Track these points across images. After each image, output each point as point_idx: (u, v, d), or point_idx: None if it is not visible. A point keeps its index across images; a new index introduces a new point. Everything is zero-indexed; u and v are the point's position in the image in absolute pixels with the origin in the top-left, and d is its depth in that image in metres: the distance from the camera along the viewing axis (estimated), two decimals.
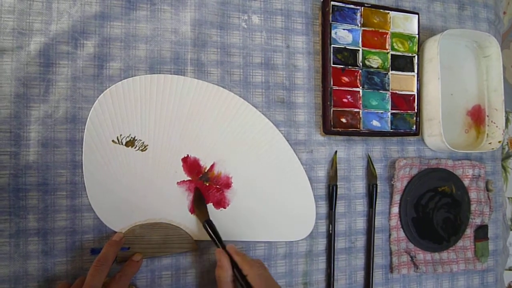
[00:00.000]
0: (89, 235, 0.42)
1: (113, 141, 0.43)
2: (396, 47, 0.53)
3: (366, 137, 0.53)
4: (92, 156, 0.43)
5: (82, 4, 0.43)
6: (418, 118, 0.54)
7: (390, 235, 0.53)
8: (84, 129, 0.43)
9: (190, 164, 0.46)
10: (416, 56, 0.54)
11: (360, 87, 0.51)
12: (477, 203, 0.56)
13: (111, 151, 0.43)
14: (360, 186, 0.52)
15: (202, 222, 0.44)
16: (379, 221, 0.53)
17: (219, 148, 0.46)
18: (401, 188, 0.53)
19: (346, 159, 0.52)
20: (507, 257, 0.62)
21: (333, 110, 0.49)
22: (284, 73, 0.50)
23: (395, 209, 0.53)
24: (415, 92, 0.53)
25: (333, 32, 0.50)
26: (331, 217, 0.50)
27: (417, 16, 0.54)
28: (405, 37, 0.53)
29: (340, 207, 0.51)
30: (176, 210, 0.45)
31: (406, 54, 0.53)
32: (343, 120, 0.50)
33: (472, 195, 0.56)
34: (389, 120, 0.52)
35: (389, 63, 0.52)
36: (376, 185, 0.52)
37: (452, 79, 0.57)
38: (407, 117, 0.53)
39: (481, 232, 0.57)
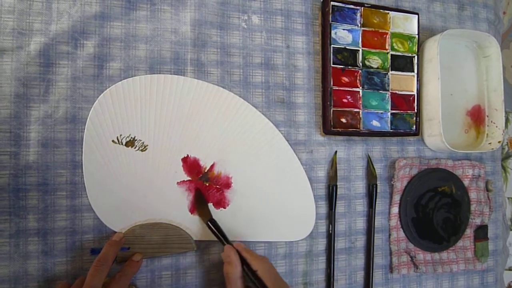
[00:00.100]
0: (89, 235, 0.42)
1: (113, 141, 0.43)
2: (396, 47, 0.53)
3: (366, 137, 0.53)
4: (92, 156, 0.43)
5: (82, 4, 0.43)
6: (418, 118, 0.54)
7: (390, 235, 0.53)
8: (84, 129, 0.43)
9: (190, 164, 0.46)
10: (416, 56, 0.54)
11: (360, 87, 0.51)
12: (477, 203, 0.56)
13: (111, 151, 0.43)
14: (360, 186, 0.52)
15: (206, 221, 0.44)
16: (379, 221, 0.53)
17: (219, 148, 0.46)
18: (401, 188, 0.53)
19: (346, 159, 0.52)
20: (507, 257, 0.62)
21: (333, 110, 0.49)
22: (284, 73, 0.50)
23: (395, 209, 0.53)
24: (415, 92, 0.53)
25: (333, 32, 0.50)
26: (331, 217, 0.50)
27: (417, 16, 0.54)
28: (405, 37, 0.53)
29: (340, 207, 0.51)
30: (176, 210, 0.45)
31: (406, 54, 0.53)
32: (343, 120, 0.50)
33: (472, 195, 0.56)
34: (389, 120, 0.52)
35: (389, 63, 0.52)
36: (376, 185, 0.52)
37: (452, 79, 0.57)
38: (407, 117, 0.53)
39: (481, 232, 0.57)
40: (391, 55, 0.52)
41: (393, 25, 0.53)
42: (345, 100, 0.50)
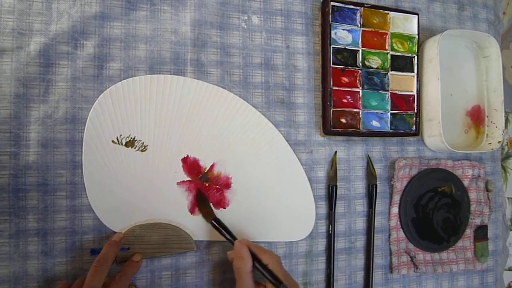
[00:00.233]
0: (89, 236, 0.42)
1: (113, 141, 0.43)
2: (395, 47, 0.53)
3: (365, 138, 0.53)
4: (92, 156, 0.43)
5: (82, 4, 0.43)
6: (417, 118, 0.54)
7: (390, 235, 0.53)
8: (84, 129, 0.43)
9: (190, 165, 0.46)
10: (415, 57, 0.54)
11: (360, 88, 0.51)
12: (476, 203, 0.56)
13: (111, 151, 0.43)
14: (360, 187, 0.52)
15: (210, 221, 0.44)
16: (378, 221, 0.53)
17: (219, 148, 0.46)
18: (401, 188, 0.53)
19: (346, 160, 0.52)
20: (506, 257, 0.62)
21: (332, 111, 0.49)
22: (284, 74, 0.50)
23: (395, 210, 0.53)
24: (414, 93, 0.54)
25: (332, 32, 0.50)
26: (331, 217, 0.50)
27: (416, 16, 0.54)
28: (404, 38, 0.53)
29: (340, 208, 0.51)
30: (176, 210, 0.45)
31: (405, 54, 0.53)
32: (343, 120, 0.50)
33: (472, 195, 0.56)
34: (388, 121, 0.52)
35: (389, 63, 0.52)
36: (376, 185, 0.52)
37: (451, 80, 0.57)
38: (406, 118, 0.53)
39: (481, 232, 0.57)
40: (391, 55, 0.52)
41: (393, 26, 0.53)
42: (345, 100, 0.50)
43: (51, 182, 0.42)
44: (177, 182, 0.45)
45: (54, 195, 0.42)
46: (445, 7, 0.59)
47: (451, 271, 0.54)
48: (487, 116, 0.58)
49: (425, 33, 0.57)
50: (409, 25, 0.53)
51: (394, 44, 0.53)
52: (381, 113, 0.52)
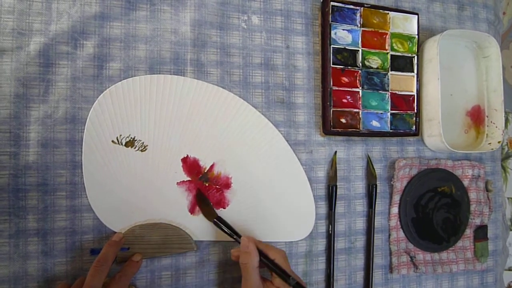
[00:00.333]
0: (88, 236, 0.42)
1: (112, 141, 0.43)
2: (395, 47, 0.53)
3: (365, 138, 0.53)
4: (91, 156, 0.43)
5: (81, 4, 0.43)
6: (417, 118, 0.54)
7: (389, 235, 0.53)
8: (84, 129, 0.43)
9: (190, 165, 0.46)
10: (415, 57, 0.54)
11: (360, 88, 0.51)
12: (476, 204, 0.56)
13: (110, 151, 0.43)
14: (359, 187, 0.52)
15: (212, 220, 0.44)
16: (378, 221, 0.53)
17: (218, 148, 0.46)
18: (400, 188, 0.53)
19: (346, 160, 0.52)
20: (506, 257, 0.62)
21: (332, 111, 0.49)
22: (283, 74, 0.50)
23: (395, 210, 0.53)
24: (414, 93, 0.54)
25: (332, 32, 0.50)
26: (330, 217, 0.50)
27: (416, 16, 0.54)
28: (404, 38, 0.53)
29: (339, 208, 0.51)
30: (176, 210, 0.45)
31: (405, 54, 0.53)
32: (343, 120, 0.50)
33: (472, 195, 0.56)
34: (388, 121, 0.52)
35: (389, 63, 0.52)
36: (376, 185, 0.52)
37: (451, 80, 0.57)
38: (406, 118, 0.53)
39: (481, 232, 0.57)
40: (391, 55, 0.52)
41: (393, 26, 0.53)
42: (344, 100, 0.50)
43: (51, 182, 0.42)
44: (177, 182, 0.45)
45: (54, 195, 0.42)
46: (445, 7, 0.59)
47: (451, 271, 0.54)
48: (487, 116, 0.58)
49: (425, 33, 0.57)
50: (409, 25, 0.53)
51: (394, 44, 0.53)
52: (381, 113, 0.52)
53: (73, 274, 0.42)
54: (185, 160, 0.45)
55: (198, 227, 0.45)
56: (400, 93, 0.53)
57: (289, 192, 0.49)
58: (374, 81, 0.52)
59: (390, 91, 0.52)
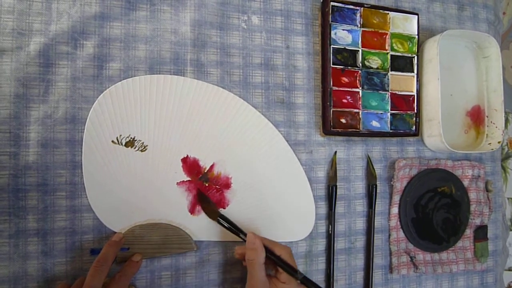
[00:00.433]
0: (88, 236, 0.42)
1: (112, 141, 0.43)
2: (395, 47, 0.53)
3: (365, 138, 0.53)
4: (91, 156, 0.43)
5: (81, 4, 0.43)
6: (417, 118, 0.54)
7: (389, 235, 0.53)
8: (84, 129, 0.43)
9: (190, 165, 0.46)
10: (415, 57, 0.54)
11: (360, 88, 0.51)
12: (476, 204, 0.56)
13: (110, 151, 0.43)
14: (359, 187, 0.52)
15: (216, 218, 0.44)
16: (378, 221, 0.53)
17: (218, 148, 0.46)
18: (400, 188, 0.53)
19: (346, 160, 0.52)
20: (506, 258, 0.62)
21: (332, 111, 0.49)
22: (283, 74, 0.50)
23: (395, 210, 0.53)
24: (414, 93, 0.54)
25: (332, 32, 0.50)
26: (330, 217, 0.50)
27: (416, 16, 0.54)
28: (404, 38, 0.53)
29: (339, 208, 0.51)
30: (176, 210, 0.45)
31: (405, 54, 0.53)
32: (343, 120, 0.50)
33: (472, 195, 0.56)
34: (388, 121, 0.52)
35: (389, 63, 0.52)
36: (376, 185, 0.52)
37: (451, 80, 0.57)
38: (406, 118, 0.53)
39: (481, 233, 0.57)
40: (391, 55, 0.52)
41: (392, 26, 0.53)
42: (344, 101, 0.50)
43: (51, 182, 0.42)
44: (177, 182, 0.45)
45: (54, 195, 0.42)
46: (445, 7, 0.59)
47: (451, 271, 0.54)
48: (487, 116, 0.58)
49: (425, 33, 0.57)
50: (409, 25, 0.53)
51: (394, 44, 0.53)
52: (381, 113, 0.52)
53: (73, 274, 0.42)
54: (185, 160, 0.45)
55: (198, 227, 0.45)
56: (400, 93, 0.53)
57: (289, 192, 0.49)
58: (374, 81, 0.52)
59: (390, 91, 0.52)
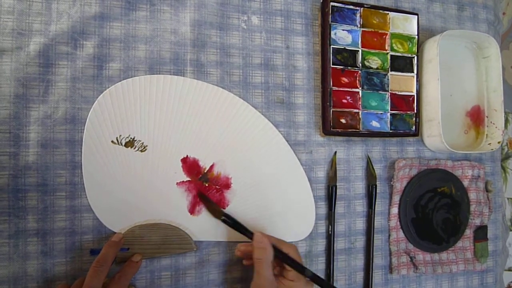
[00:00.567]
0: (88, 236, 0.42)
1: (112, 141, 0.43)
2: (395, 47, 0.53)
3: (365, 138, 0.53)
4: (91, 156, 0.43)
5: (81, 4, 0.43)
6: (417, 118, 0.54)
7: (389, 235, 0.53)
8: (84, 129, 0.43)
9: (190, 165, 0.46)
10: (415, 57, 0.54)
11: (360, 88, 0.51)
12: (476, 204, 0.56)
13: (110, 151, 0.43)
14: (359, 187, 0.52)
15: (220, 217, 0.43)
16: (378, 221, 0.53)
17: (218, 148, 0.46)
18: (400, 188, 0.53)
19: (346, 160, 0.52)
20: (506, 258, 0.62)
21: (332, 111, 0.49)
22: (283, 74, 0.50)
23: (395, 210, 0.53)
24: (414, 93, 0.54)
25: (332, 32, 0.50)
26: (330, 217, 0.50)
27: (416, 16, 0.54)
28: (404, 38, 0.53)
29: (339, 208, 0.51)
30: (176, 210, 0.45)
31: (405, 54, 0.53)
32: (343, 120, 0.50)
33: (472, 195, 0.56)
34: (388, 121, 0.52)
35: (389, 63, 0.52)
36: (376, 185, 0.52)
37: (451, 80, 0.57)
38: (406, 118, 0.53)
39: (481, 233, 0.57)
40: (391, 55, 0.52)
41: (392, 26, 0.53)
42: (344, 101, 0.50)
43: (50, 183, 0.42)
44: (177, 183, 0.45)
45: (54, 196, 0.42)
46: (444, 8, 0.59)
47: (451, 271, 0.54)
48: (487, 117, 0.58)
49: (425, 33, 0.57)
50: (409, 25, 0.53)
51: (394, 45, 0.53)
52: (381, 113, 0.52)
53: (72, 275, 0.42)
54: (184, 160, 0.45)
55: (198, 227, 0.45)
56: (400, 93, 0.53)
57: (289, 192, 0.49)
58: (374, 81, 0.52)
59: (390, 91, 0.52)
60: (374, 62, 0.52)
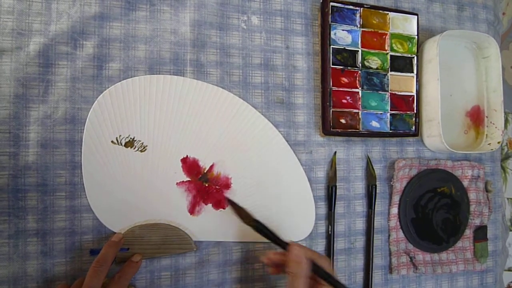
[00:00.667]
0: (88, 236, 0.42)
1: (112, 141, 0.43)
2: (395, 48, 0.53)
3: (365, 138, 0.53)
4: (91, 156, 0.43)
5: (81, 4, 0.43)
6: (417, 119, 0.54)
7: (389, 235, 0.53)
8: (84, 129, 0.43)
9: (190, 165, 0.45)
10: (415, 57, 0.54)
11: (360, 88, 0.51)
12: (476, 204, 0.56)
13: (110, 151, 0.43)
14: (359, 187, 0.52)
15: (250, 223, 0.41)
16: (378, 221, 0.53)
17: (218, 148, 0.46)
18: (400, 188, 0.53)
19: (346, 160, 0.52)
20: (506, 258, 0.62)
21: (332, 111, 0.49)
22: (283, 74, 0.50)
23: (395, 210, 0.53)
24: (414, 93, 0.54)
25: (332, 33, 0.50)
26: (330, 217, 0.50)
27: (416, 17, 0.54)
28: (404, 38, 0.53)
29: (339, 208, 0.51)
30: (176, 210, 0.45)
31: (405, 55, 0.53)
32: (343, 121, 0.50)
33: (471, 195, 0.56)
34: (388, 121, 0.52)
35: (388, 64, 0.52)
36: (376, 185, 0.52)
37: (451, 80, 0.57)
38: (406, 118, 0.53)
39: (480, 233, 0.57)
40: (391, 55, 0.52)
41: (392, 26, 0.53)
42: (344, 101, 0.50)
43: (50, 183, 0.42)
44: (177, 183, 0.45)
45: (54, 196, 0.42)
46: (444, 8, 0.59)
47: (451, 271, 0.54)
48: (487, 117, 0.58)
49: (425, 33, 0.57)
50: (409, 25, 0.53)
51: (393, 45, 0.53)
52: (381, 113, 0.52)
53: (72, 275, 0.42)
54: (184, 160, 0.45)
55: (198, 228, 0.45)
56: (399, 93, 0.53)
57: (289, 193, 0.49)
58: (374, 81, 0.52)
59: (389, 91, 0.52)
60: (374, 62, 0.52)
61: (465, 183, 0.56)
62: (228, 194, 0.47)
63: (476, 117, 0.58)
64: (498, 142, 0.55)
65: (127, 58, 0.45)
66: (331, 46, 0.50)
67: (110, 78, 0.44)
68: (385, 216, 0.53)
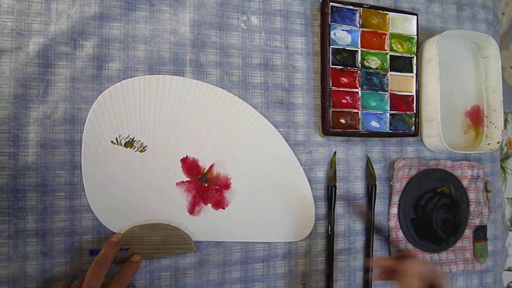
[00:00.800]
0: (88, 236, 0.42)
1: (112, 142, 0.43)
2: (395, 48, 0.53)
3: (365, 138, 0.53)
4: (91, 157, 0.43)
5: (81, 5, 0.43)
6: (417, 119, 0.54)
7: (389, 235, 0.53)
8: (83, 130, 0.43)
9: (189, 165, 0.45)
10: (415, 57, 0.54)
11: (359, 88, 0.51)
12: (476, 204, 0.56)
13: (110, 152, 0.43)
14: (359, 187, 0.52)
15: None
16: (378, 222, 0.53)
17: (218, 148, 0.46)
18: (400, 188, 0.53)
19: (345, 160, 0.52)
20: (506, 258, 0.62)
21: (332, 111, 0.49)
22: (283, 74, 0.50)
23: (394, 210, 0.53)
24: (414, 93, 0.54)
25: (332, 33, 0.50)
26: (330, 217, 0.50)
27: (415, 17, 0.54)
28: (404, 38, 0.53)
29: (339, 208, 0.51)
30: (175, 210, 0.45)
31: (405, 55, 0.53)
32: (342, 121, 0.50)
33: (471, 195, 0.56)
34: (388, 121, 0.52)
35: (388, 64, 0.52)
36: (375, 185, 0.52)
37: (451, 80, 0.57)
38: (406, 118, 0.53)
39: (480, 233, 0.57)
40: (390, 55, 0.52)
41: (392, 26, 0.53)
42: (344, 101, 0.50)
43: (50, 183, 0.42)
44: (176, 183, 0.45)
45: (53, 196, 0.42)
46: (444, 8, 0.59)
47: (451, 271, 0.54)
48: (486, 117, 0.58)
49: (424, 33, 0.57)
50: (408, 25, 0.53)
51: (393, 45, 0.53)
52: (380, 113, 0.52)
53: (72, 275, 0.42)
54: (184, 160, 0.45)
55: (198, 228, 0.45)
56: (399, 93, 0.53)
57: (289, 193, 0.49)
58: (374, 81, 0.52)
59: (389, 91, 0.52)
60: (374, 62, 0.52)
61: (465, 183, 0.56)
62: (228, 194, 0.47)
63: (476, 117, 0.58)
64: (498, 142, 0.55)
65: (127, 58, 0.45)
66: (331, 46, 0.50)
67: (110, 78, 0.44)
68: (385, 216, 0.53)
